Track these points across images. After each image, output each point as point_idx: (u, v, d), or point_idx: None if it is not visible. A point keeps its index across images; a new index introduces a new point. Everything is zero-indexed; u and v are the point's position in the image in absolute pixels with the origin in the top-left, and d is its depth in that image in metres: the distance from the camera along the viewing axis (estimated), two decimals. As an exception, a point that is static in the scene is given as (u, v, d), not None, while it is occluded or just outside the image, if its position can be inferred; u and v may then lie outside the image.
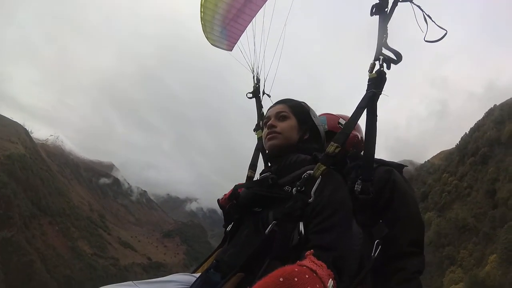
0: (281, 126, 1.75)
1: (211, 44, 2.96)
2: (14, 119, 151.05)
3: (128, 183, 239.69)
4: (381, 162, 1.83)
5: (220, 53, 3.09)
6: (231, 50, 3.01)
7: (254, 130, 2.43)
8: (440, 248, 60.71)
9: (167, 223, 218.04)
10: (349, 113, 1.81)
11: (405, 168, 1.87)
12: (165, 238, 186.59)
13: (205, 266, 1.82)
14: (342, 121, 2.15)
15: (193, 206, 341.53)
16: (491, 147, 74.29)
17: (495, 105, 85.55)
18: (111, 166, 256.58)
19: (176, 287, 1.59)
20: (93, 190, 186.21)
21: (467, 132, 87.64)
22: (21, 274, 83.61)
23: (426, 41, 1.68)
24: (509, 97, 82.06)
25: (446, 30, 1.64)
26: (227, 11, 2.71)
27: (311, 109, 1.88)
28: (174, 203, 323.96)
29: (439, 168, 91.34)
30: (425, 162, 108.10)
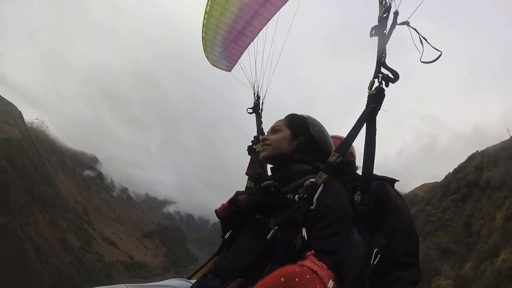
0: (272, 138, 1.87)
1: (211, 63, 3.11)
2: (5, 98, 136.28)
3: (111, 178, 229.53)
4: (374, 177, 1.81)
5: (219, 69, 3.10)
6: (230, 71, 3.14)
7: (254, 144, 2.54)
8: (427, 264, 73.06)
9: (145, 223, 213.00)
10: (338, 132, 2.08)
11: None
12: (146, 238, 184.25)
13: (200, 273, 1.82)
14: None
15: (171, 208, 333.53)
16: (470, 188, 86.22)
17: (477, 151, 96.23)
18: (94, 159, 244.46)
19: None
20: (77, 182, 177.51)
21: (451, 172, 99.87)
22: (15, 263, 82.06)
23: (422, 62, 1.72)
24: (489, 145, 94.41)
25: (440, 51, 1.67)
26: (228, 32, 2.78)
27: (313, 121, 1.94)
28: (152, 203, 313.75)
29: (422, 200, 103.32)
30: (408, 192, 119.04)
